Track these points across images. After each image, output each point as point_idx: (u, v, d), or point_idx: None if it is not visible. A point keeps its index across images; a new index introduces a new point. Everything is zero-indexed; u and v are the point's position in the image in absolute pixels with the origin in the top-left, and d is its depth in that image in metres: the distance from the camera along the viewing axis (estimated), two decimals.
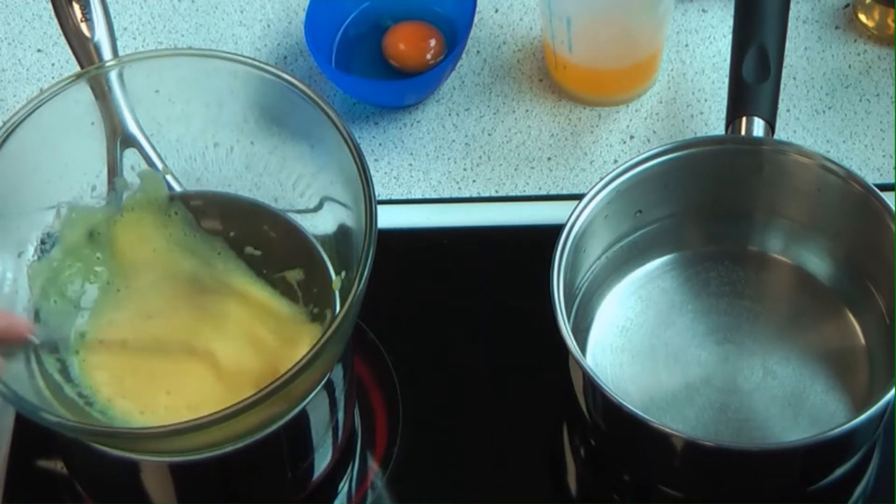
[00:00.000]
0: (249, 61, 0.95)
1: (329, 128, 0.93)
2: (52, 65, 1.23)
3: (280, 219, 1.00)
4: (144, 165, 0.99)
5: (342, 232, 0.95)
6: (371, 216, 0.90)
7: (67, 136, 0.96)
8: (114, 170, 0.98)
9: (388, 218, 1.10)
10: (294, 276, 0.98)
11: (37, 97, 0.93)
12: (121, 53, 0.99)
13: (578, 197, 1.01)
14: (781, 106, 1.10)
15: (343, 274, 0.95)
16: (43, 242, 0.97)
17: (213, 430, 0.86)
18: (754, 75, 1.05)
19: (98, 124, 0.97)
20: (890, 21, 1.19)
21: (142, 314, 0.96)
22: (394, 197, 1.15)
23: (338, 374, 0.97)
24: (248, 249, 0.99)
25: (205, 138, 1.00)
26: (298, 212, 1.00)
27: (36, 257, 0.96)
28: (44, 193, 0.97)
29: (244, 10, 1.25)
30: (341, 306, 0.89)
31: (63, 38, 1.00)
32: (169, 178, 0.99)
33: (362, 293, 0.88)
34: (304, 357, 0.86)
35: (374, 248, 0.89)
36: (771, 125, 1.04)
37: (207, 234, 0.99)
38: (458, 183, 1.16)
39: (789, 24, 1.09)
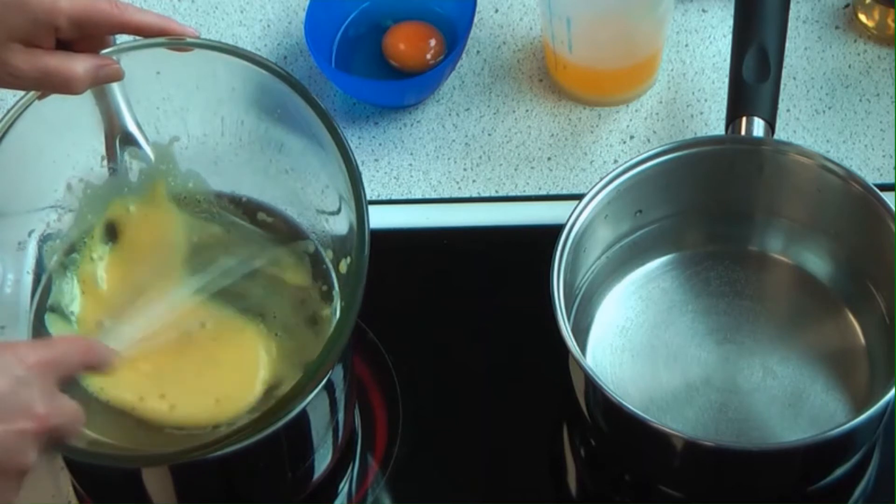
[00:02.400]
0: (232, 48, 0.95)
1: (308, 112, 0.93)
2: None
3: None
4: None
5: (349, 227, 0.95)
6: (363, 219, 0.90)
7: (66, 129, 0.96)
8: (114, 156, 0.98)
9: (389, 218, 1.11)
10: (305, 247, 0.98)
11: (33, 95, 0.93)
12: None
13: (578, 197, 1.01)
14: (781, 106, 1.10)
15: (349, 258, 0.94)
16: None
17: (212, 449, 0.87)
18: (754, 75, 1.05)
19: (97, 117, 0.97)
20: (890, 21, 1.19)
21: (142, 293, 0.97)
22: (394, 197, 1.15)
23: (338, 374, 0.97)
24: (261, 216, 0.99)
25: (204, 136, 0.99)
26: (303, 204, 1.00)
27: (46, 234, 0.96)
28: (42, 192, 0.97)
29: (244, 10, 1.26)
30: (339, 318, 0.90)
31: None
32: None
33: (357, 310, 0.89)
34: (305, 374, 0.88)
35: (367, 255, 0.90)
36: (771, 125, 1.04)
37: (223, 202, 0.99)
38: (458, 183, 1.16)
39: (789, 24, 1.09)
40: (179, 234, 0.99)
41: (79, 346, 0.82)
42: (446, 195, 1.15)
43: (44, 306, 0.96)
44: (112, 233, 0.98)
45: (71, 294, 0.97)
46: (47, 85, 0.88)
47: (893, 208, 0.99)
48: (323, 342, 0.94)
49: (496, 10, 1.24)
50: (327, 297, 0.96)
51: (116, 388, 0.93)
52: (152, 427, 0.93)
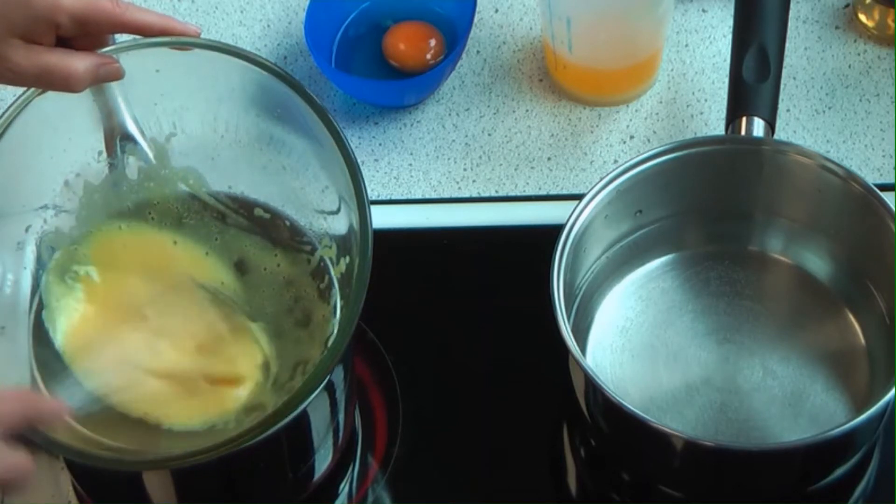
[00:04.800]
0: (232, 49, 0.95)
1: (308, 112, 0.93)
2: None
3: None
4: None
5: (348, 226, 0.95)
6: (365, 220, 0.90)
7: (64, 126, 0.95)
8: (113, 154, 0.98)
9: (388, 218, 1.11)
10: (302, 245, 0.98)
11: (33, 92, 0.92)
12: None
13: (578, 197, 1.01)
14: (781, 106, 1.09)
15: (347, 258, 0.94)
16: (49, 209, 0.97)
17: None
18: (754, 75, 1.05)
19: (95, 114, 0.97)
20: (890, 21, 1.19)
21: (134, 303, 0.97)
22: (394, 197, 1.15)
23: (338, 375, 0.97)
24: (258, 212, 0.99)
25: (203, 135, 0.99)
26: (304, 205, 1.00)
27: (45, 232, 0.96)
28: (40, 190, 0.97)
29: (244, 10, 1.26)
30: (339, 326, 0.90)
31: None
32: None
33: (357, 313, 0.89)
34: (306, 382, 0.88)
35: (370, 257, 0.90)
36: (771, 125, 1.04)
37: (220, 198, 0.99)
38: (458, 183, 1.16)
39: (789, 24, 1.09)
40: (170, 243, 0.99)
41: (17, 403, 0.82)
42: (446, 195, 1.15)
43: (43, 306, 0.96)
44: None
45: (70, 297, 0.97)
46: (47, 82, 0.88)
47: (893, 208, 0.99)
48: (317, 341, 0.94)
49: (496, 10, 1.24)
50: (325, 296, 0.96)
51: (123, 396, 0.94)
52: (152, 427, 0.93)
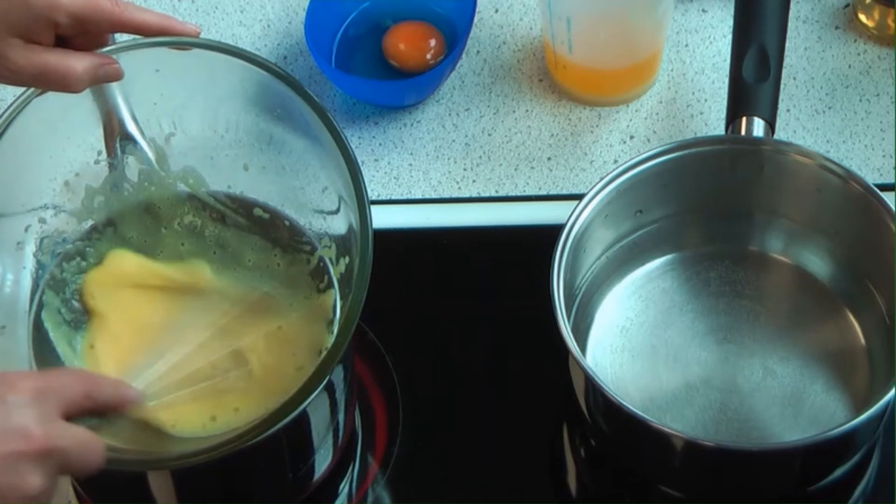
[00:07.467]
0: (232, 49, 0.95)
1: (308, 112, 0.93)
2: None
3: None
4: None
5: (348, 226, 0.95)
6: (365, 221, 0.90)
7: (63, 126, 0.96)
8: (113, 154, 0.98)
9: (388, 218, 1.11)
10: (302, 245, 0.98)
11: (32, 92, 0.92)
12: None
13: (578, 197, 1.01)
14: (781, 106, 1.09)
15: (346, 259, 0.94)
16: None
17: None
18: (754, 75, 1.05)
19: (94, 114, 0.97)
20: (890, 21, 1.19)
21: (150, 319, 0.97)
22: (394, 197, 1.15)
23: (338, 375, 0.97)
24: (257, 212, 0.99)
25: (203, 135, 1.00)
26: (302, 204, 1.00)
27: (45, 233, 0.96)
28: (39, 190, 0.97)
29: (244, 10, 1.26)
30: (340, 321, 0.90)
31: None
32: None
33: (357, 315, 0.89)
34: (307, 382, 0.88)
35: (371, 258, 0.90)
36: (771, 125, 1.04)
37: (220, 198, 0.99)
38: (458, 183, 1.16)
39: (789, 24, 1.09)
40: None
41: (78, 379, 0.81)
42: (446, 195, 1.15)
43: (43, 306, 0.96)
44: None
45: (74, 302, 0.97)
46: (45, 82, 0.88)
47: (893, 208, 0.99)
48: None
49: (496, 10, 1.24)
50: (324, 295, 0.96)
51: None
52: (153, 427, 0.93)
